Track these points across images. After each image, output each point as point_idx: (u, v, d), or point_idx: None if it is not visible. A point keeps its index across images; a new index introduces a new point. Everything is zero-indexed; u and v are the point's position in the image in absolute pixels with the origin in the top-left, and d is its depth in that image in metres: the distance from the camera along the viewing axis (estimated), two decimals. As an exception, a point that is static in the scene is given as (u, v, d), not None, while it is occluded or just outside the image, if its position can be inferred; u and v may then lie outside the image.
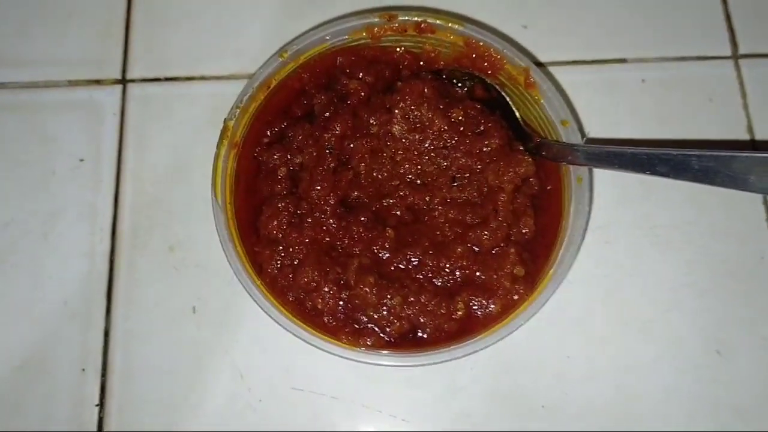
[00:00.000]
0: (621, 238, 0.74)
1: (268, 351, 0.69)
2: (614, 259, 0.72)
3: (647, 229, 0.75)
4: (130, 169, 0.77)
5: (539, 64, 0.78)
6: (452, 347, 0.59)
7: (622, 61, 0.82)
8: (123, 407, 0.69)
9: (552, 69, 0.79)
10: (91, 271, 0.73)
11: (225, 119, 0.65)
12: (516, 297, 0.61)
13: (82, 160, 0.78)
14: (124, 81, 0.81)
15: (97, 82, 0.81)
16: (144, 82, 0.81)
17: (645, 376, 0.69)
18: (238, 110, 0.65)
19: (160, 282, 0.73)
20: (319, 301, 0.60)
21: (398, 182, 0.66)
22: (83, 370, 0.70)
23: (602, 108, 0.79)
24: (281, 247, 0.62)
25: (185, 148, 0.78)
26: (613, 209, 0.75)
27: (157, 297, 0.72)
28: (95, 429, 0.69)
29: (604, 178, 0.75)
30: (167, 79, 0.81)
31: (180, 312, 0.71)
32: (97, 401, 0.69)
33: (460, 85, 0.71)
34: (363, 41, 0.69)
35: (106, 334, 0.72)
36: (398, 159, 0.66)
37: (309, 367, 0.69)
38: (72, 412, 0.69)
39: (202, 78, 0.81)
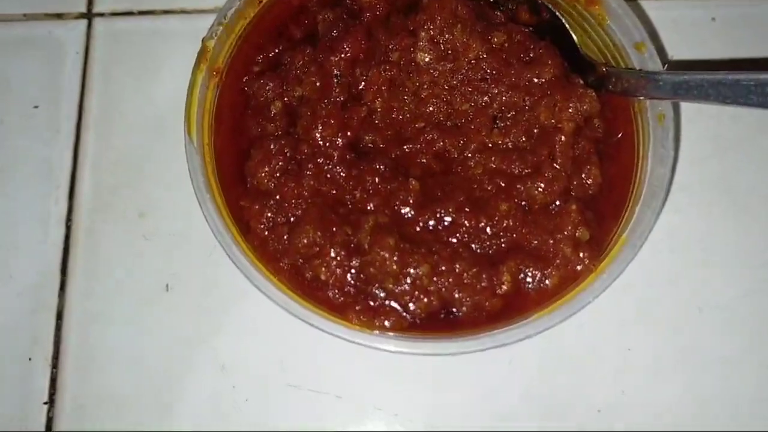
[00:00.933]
0: (694, 203, 0.69)
1: (257, 339, 0.65)
2: (686, 230, 0.68)
3: (725, 193, 0.69)
4: (93, 117, 0.73)
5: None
6: (496, 331, 0.54)
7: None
8: (78, 405, 0.65)
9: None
10: (43, 240, 0.69)
11: (203, 38, 0.60)
12: (579, 267, 0.55)
13: (36, 107, 0.73)
14: (89, 15, 0.76)
15: (58, 16, 0.76)
16: (113, 17, 0.76)
17: (722, 373, 0.64)
18: (221, 27, 0.60)
19: (127, 254, 0.68)
20: (323, 269, 0.55)
21: (424, 124, 0.60)
22: (30, 359, 0.66)
23: (689, 22, 0.74)
24: (274, 201, 0.57)
25: (161, 94, 0.73)
26: (685, 168, 0.69)
27: (122, 272, 0.68)
28: (42, 430, 0.64)
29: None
30: (141, 13, 0.76)
31: (150, 290, 0.67)
32: (46, 398, 0.65)
33: (501, 10, 0.65)
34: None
35: (59, 316, 0.67)
36: (424, 94, 0.61)
37: (308, 358, 0.65)
38: (17, 410, 0.65)
39: (183, 11, 0.76)
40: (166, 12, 0.76)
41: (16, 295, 0.67)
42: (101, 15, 0.76)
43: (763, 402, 0.64)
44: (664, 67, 0.58)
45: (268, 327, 0.65)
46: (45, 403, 0.64)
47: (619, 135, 0.61)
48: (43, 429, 0.64)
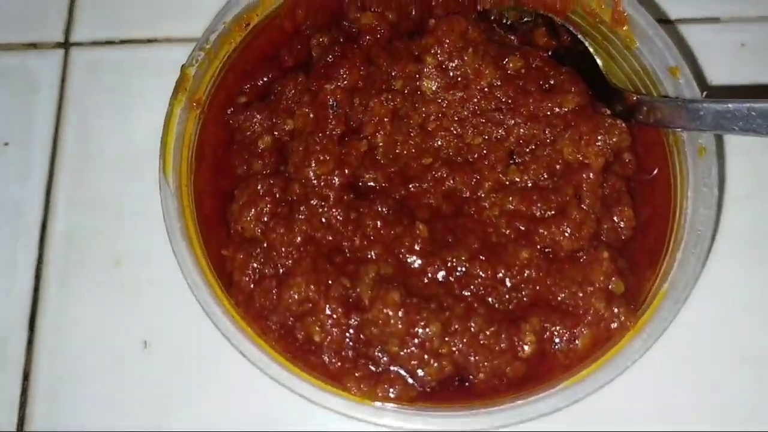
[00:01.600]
0: (735, 247, 0.64)
1: (244, 404, 0.62)
2: (726, 276, 0.63)
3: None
4: (68, 155, 0.70)
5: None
6: (519, 402, 0.50)
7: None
8: None
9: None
10: (10, 290, 0.66)
11: (182, 65, 0.58)
12: (614, 325, 0.52)
13: (6, 144, 0.71)
14: (66, 44, 0.74)
15: (33, 45, 0.74)
16: (92, 46, 0.74)
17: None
18: (203, 53, 0.57)
19: (102, 306, 0.65)
20: (317, 329, 0.51)
21: (431, 159, 0.58)
22: None
23: (726, 48, 0.70)
24: (260, 249, 0.54)
25: (141, 129, 0.70)
26: (725, 208, 0.65)
27: (96, 327, 0.65)
28: None
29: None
30: (122, 42, 0.74)
31: (127, 348, 0.64)
32: None
33: (513, 29, 0.62)
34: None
35: (26, 377, 0.64)
36: (431, 127, 0.58)
37: (301, 424, 0.61)
38: None
39: (167, 40, 0.74)
40: (149, 41, 0.74)
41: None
42: (79, 44, 0.74)
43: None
44: (702, 94, 0.55)
45: (256, 390, 0.61)
46: (6, 478, 0.61)
47: (654, 172, 0.58)
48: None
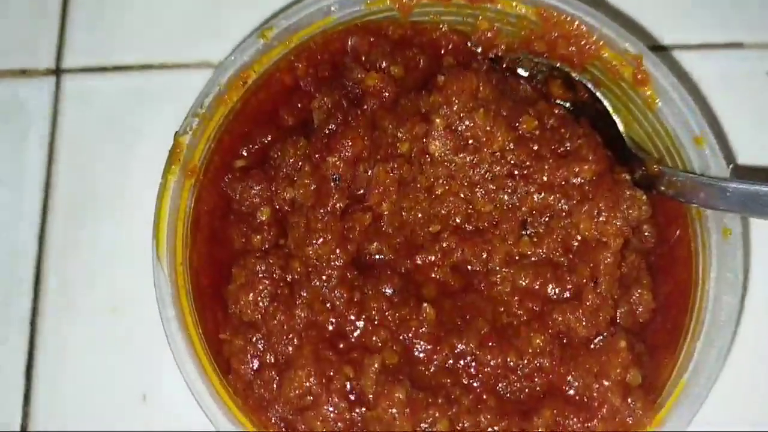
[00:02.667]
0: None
1: None
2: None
3: None
4: (61, 196, 0.68)
5: (656, 48, 0.68)
6: None
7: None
8: None
9: (677, 54, 0.67)
10: (4, 341, 0.65)
11: (176, 133, 0.55)
12: (630, 420, 0.49)
13: None
14: (58, 71, 0.72)
15: (23, 72, 0.72)
16: (84, 73, 0.72)
17: None
18: (197, 119, 0.54)
19: (98, 357, 0.64)
20: (318, 424, 0.49)
21: (439, 228, 0.55)
22: None
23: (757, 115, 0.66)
24: (260, 336, 0.52)
25: (138, 166, 0.68)
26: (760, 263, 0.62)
27: (94, 379, 0.63)
28: None
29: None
30: (116, 69, 0.72)
31: (126, 400, 0.63)
32: None
33: (527, 77, 0.60)
34: (387, 13, 0.60)
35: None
36: (439, 192, 0.56)
37: None
38: None
39: (162, 66, 0.72)
40: (144, 67, 0.71)
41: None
42: (70, 71, 0.71)
43: None
44: (729, 168, 0.52)
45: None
46: None
47: (676, 234, 0.55)
48: None
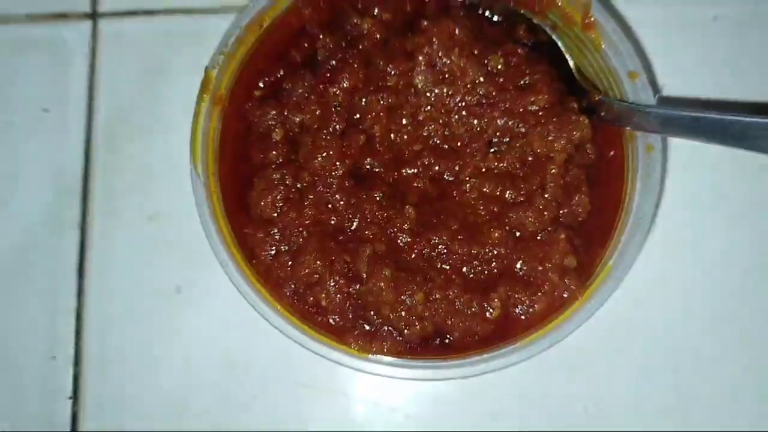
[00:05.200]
0: (682, 211, 0.68)
1: (266, 339, 0.62)
2: (674, 237, 0.67)
3: (715, 202, 0.68)
4: (101, 120, 0.71)
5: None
6: (486, 355, 0.55)
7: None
8: (99, 402, 0.67)
9: (617, 3, 0.69)
10: (59, 243, 0.69)
11: (206, 67, 0.59)
12: (565, 294, 0.56)
13: (46, 110, 0.72)
14: (94, 15, 0.74)
15: (63, 16, 0.74)
16: (117, 17, 0.73)
17: (707, 375, 0.65)
18: (222, 56, 0.59)
19: (139, 256, 0.69)
20: (323, 296, 0.55)
21: (421, 147, 0.59)
22: (53, 357, 0.67)
23: (680, 55, 0.69)
24: (276, 230, 0.57)
25: (168, 96, 0.71)
26: (675, 177, 0.67)
27: (135, 274, 0.68)
28: (68, 429, 0.67)
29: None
30: (145, 13, 0.73)
31: (162, 292, 0.68)
32: (70, 393, 0.67)
33: (497, 20, 0.63)
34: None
35: (78, 317, 0.68)
36: (421, 117, 0.59)
37: (317, 359, 0.60)
38: (42, 407, 0.67)
39: (186, 11, 0.73)
40: (169, 11, 0.73)
41: (37, 298, 0.68)
42: (105, 15, 0.73)
43: (740, 401, 0.65)
44: (655, 97, 0.57)
45: (269, 331, 0.59)
46: (69, 398, 0.66)
47: (611, 154, 0.60)
48: (69, 427, 0.66)
